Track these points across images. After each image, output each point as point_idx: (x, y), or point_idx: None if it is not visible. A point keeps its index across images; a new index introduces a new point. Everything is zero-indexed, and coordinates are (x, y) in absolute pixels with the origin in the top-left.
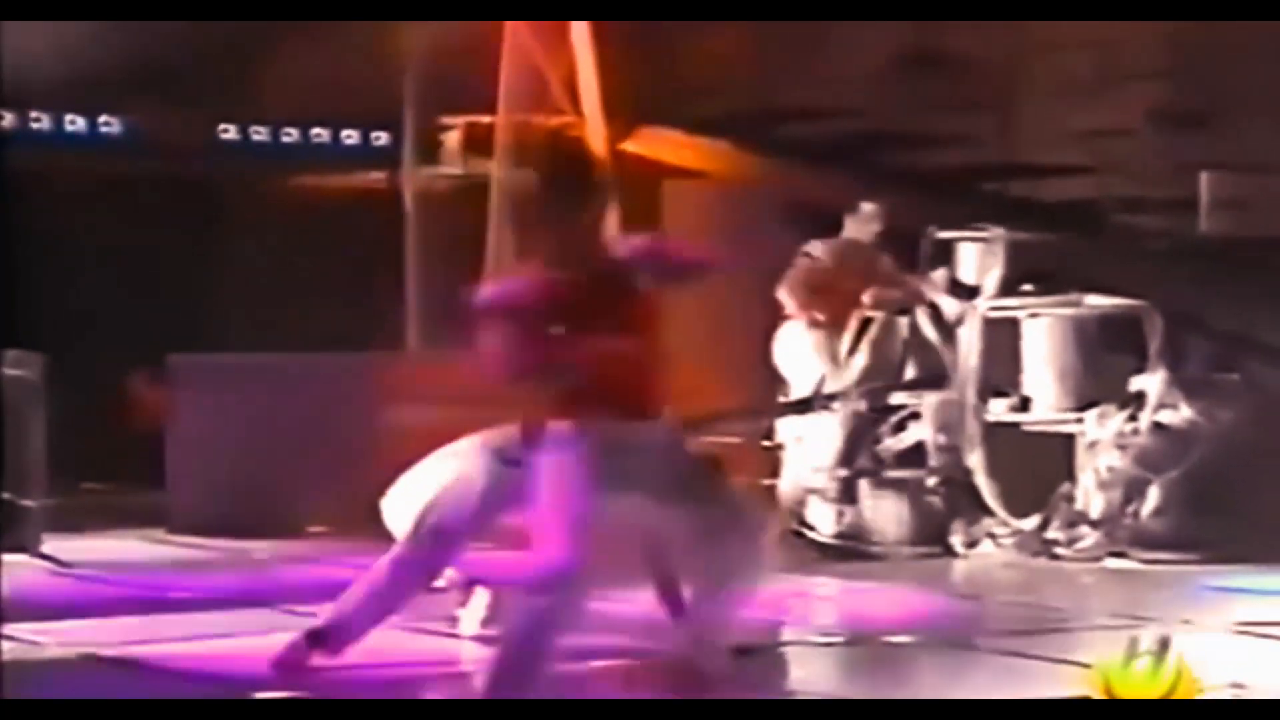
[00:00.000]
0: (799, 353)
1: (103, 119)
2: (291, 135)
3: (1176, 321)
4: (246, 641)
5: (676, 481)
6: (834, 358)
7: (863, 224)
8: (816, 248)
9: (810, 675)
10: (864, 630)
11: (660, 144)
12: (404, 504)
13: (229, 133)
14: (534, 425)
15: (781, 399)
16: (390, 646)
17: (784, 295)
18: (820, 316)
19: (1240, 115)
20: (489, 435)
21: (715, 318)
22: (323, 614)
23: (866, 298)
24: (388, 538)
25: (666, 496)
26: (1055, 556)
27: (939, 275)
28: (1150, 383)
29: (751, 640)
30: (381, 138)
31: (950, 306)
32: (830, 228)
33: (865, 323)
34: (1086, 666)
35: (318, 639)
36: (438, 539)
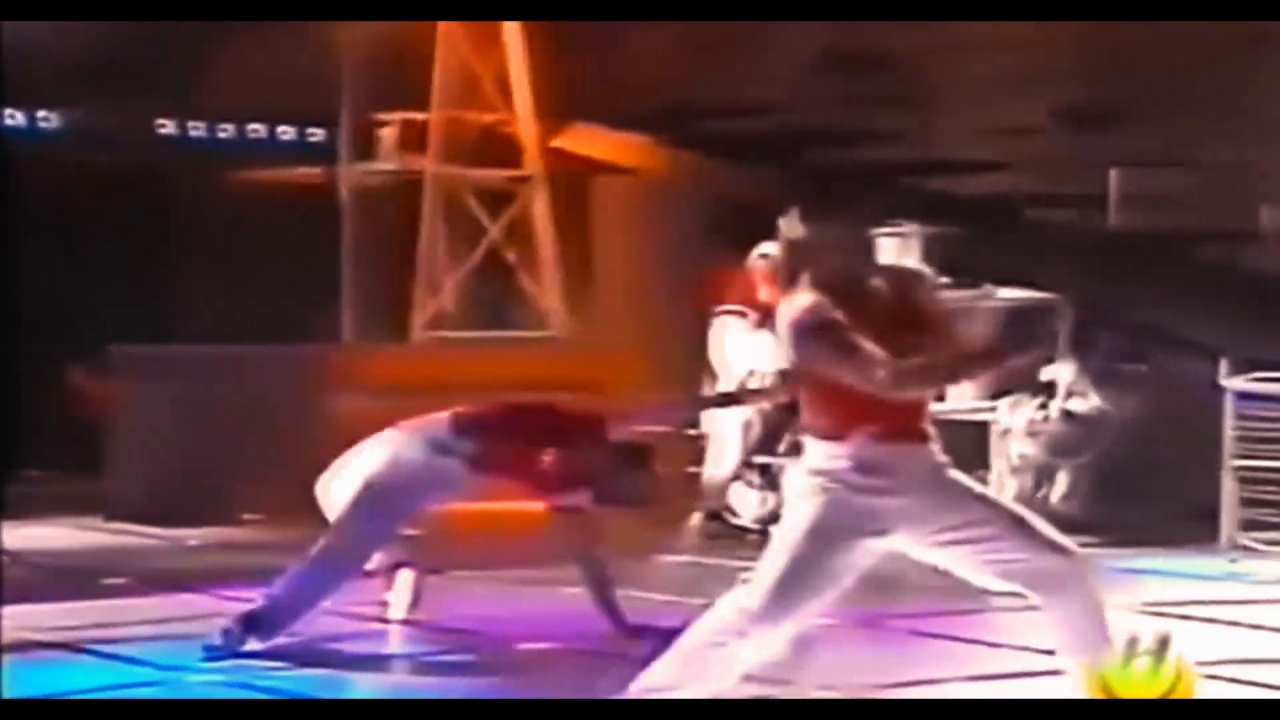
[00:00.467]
0: (735, 347)
1: (41, 114)
2: (228, 130)
3: (1086, 313)
4: (181, 626)
5: None
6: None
7: (795, 226)
8: (770, 249)
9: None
10: None
11: (589, 141)
12: (337, 488)
13: (166, 127)
14: (465, 414)
15: (707, 392)
16: (322, 630)
17: (760, 280)
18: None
19: (1148, 113)
20: (419, 423)
21: (652, 311)
22: (257, 599)
23: None
24: (322, 525)
25: None
26: None
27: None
28: (1060, 373)
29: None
30: (317, 134)
31: None
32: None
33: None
34: (994, 646)
35: (252, 623)
36: (369, 525)
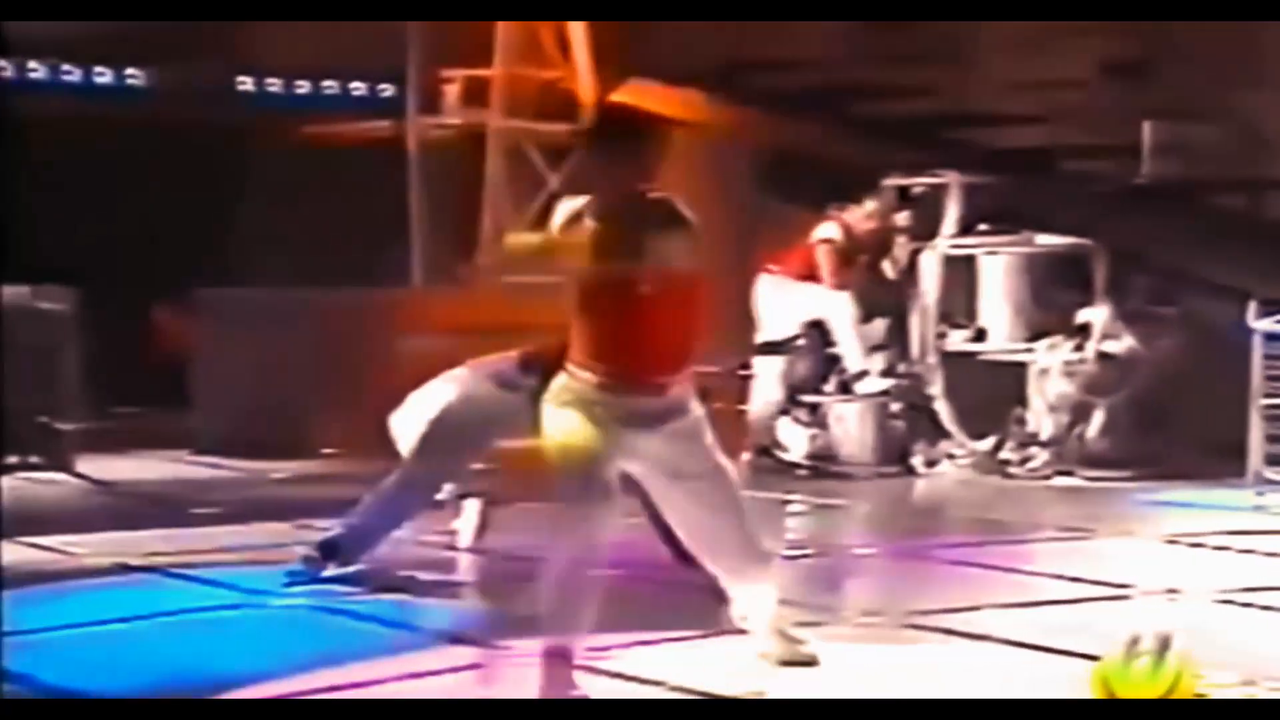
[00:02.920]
0: (779, 303)
1: (130, 72)
2: (304, 87)
3: (1120, 259)
4: (264, 554)
5: None
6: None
7: (865, 214)
8: (833, 233)
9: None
10: (832, 544)
11: (645, 95)
12: (409, 424)
13: (246, 84)
14: (532, 354)
15: (758, 339)
16: (396, 557)
17: (822, 260)
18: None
19: (1180, 67)
20: (488, 361)
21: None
22: (335, 527)
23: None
24: (395, 457)
25: None
26: (1008, 475)
27: (903, 217)
28: (1095, 315)
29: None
30: (387, 89)
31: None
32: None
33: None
34: (1035, 575)
35: (331, 550)
36: (440, 458)
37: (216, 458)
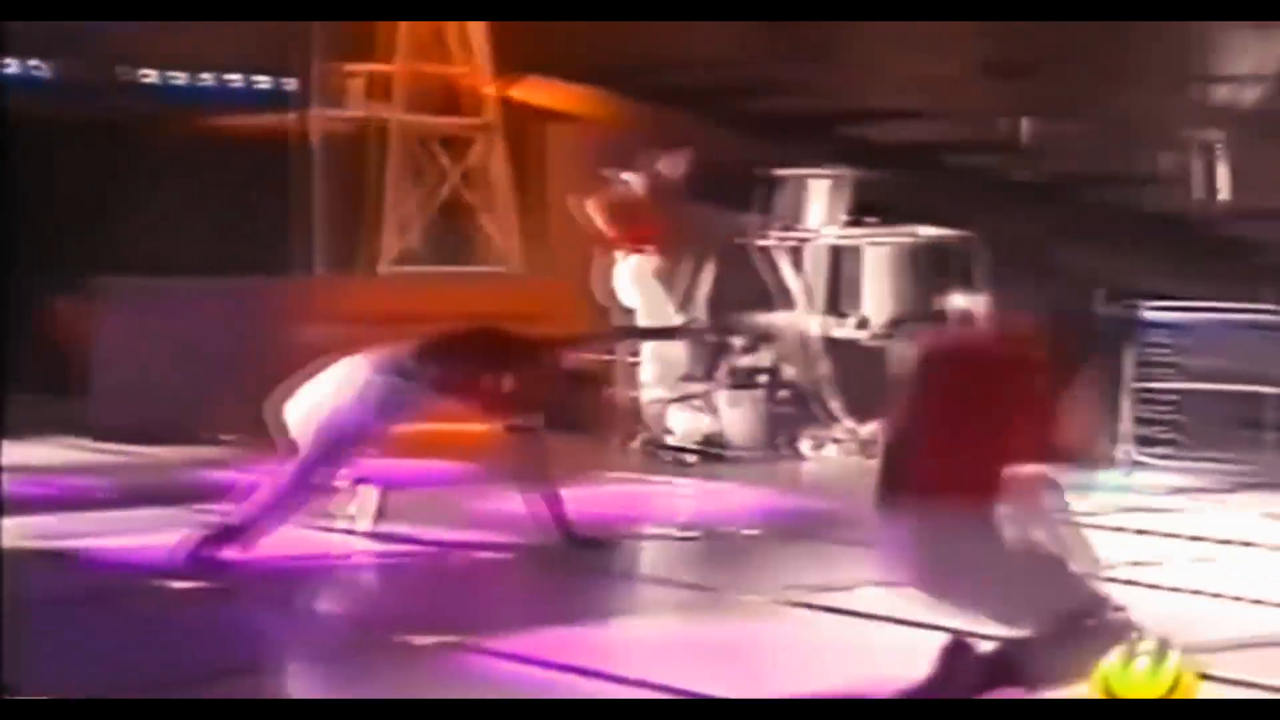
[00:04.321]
0: (639, 282)
1: (33, 63)
2: (207, 80)
3: (997, 249)
4: (160, 536)
5: None
6: (670, 285)
7: (674, 164)
8: (629, 177)
9: (671, 566)
10: (717, 525)
11: (542, 91)
12: (303, 412)
13: (150, 77)
14: (427, 343)
15: (644, 324)
16: (293, 541)
17: (591, 212)
18: (647, 247)
19: (1057, 67)
20: (384, 350)
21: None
22: (234, 513)
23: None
24: (287, 445)
25: None
26: None
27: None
28: (975, 302)
29: (599, 534)
30: (291, 83)
31: (799, 238)
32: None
33: (722, 252)
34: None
35: (229, 534)
36: (337, 446)
37: (114, 444)
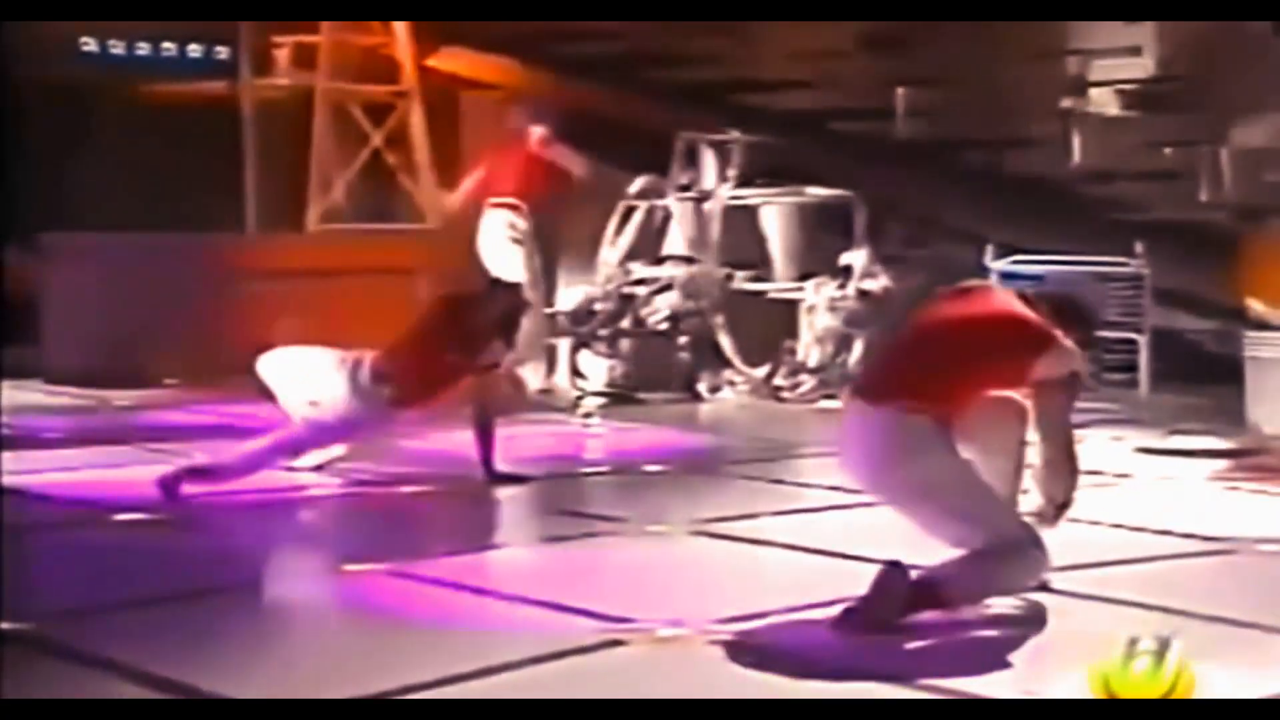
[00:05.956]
0: (499, 238)
1: None
2: (144, 49)
3: (877, 208)
4: (110, 473)
5: None
6: (524, 240)
7: (521, 116)
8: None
9: (581, 500)
10: (626, 462)
11: (458, 60)
12: (289, 385)
13: (90, 45)
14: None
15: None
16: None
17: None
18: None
19: (930, 39)
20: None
21: None
22: (208, 456)
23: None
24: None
25: None
26: (781, 399)
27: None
28: (856, 258)
29: (519, 470)
30: (222, 52)
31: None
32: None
33: (629, 210)
34: (807, 486)
35: (198, 473)
36: (315, 434)
37: (66, 387)
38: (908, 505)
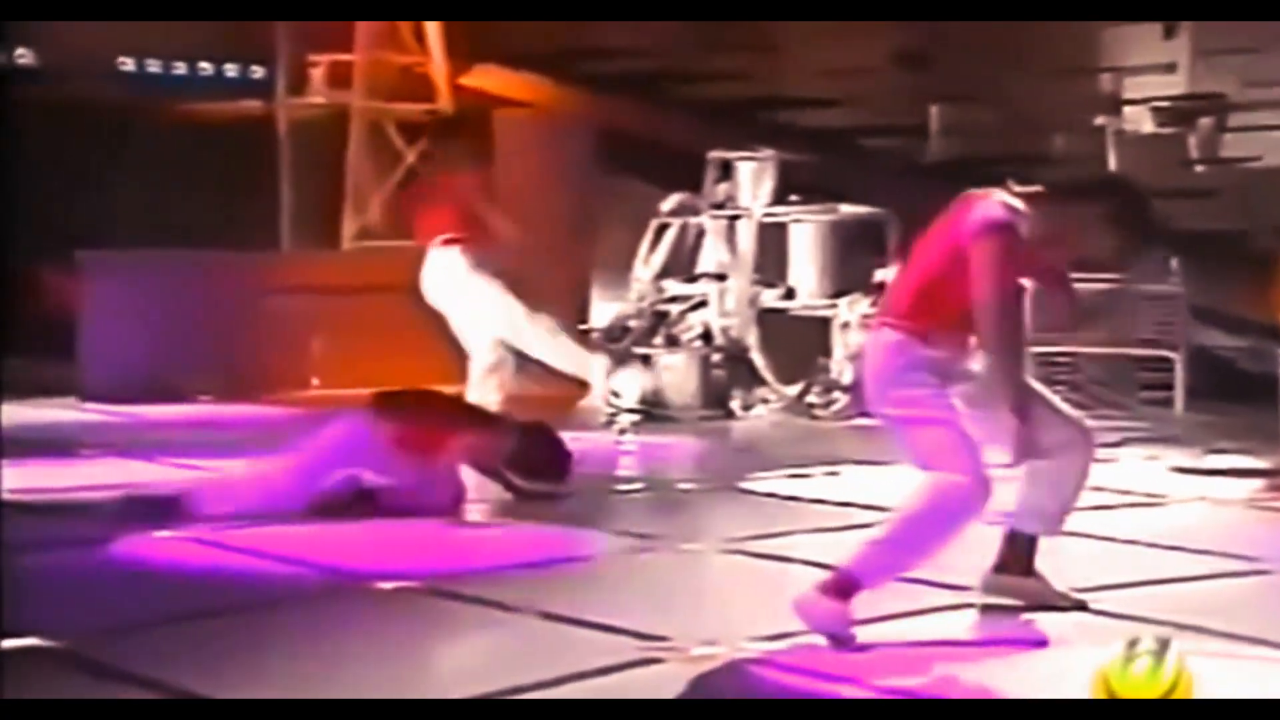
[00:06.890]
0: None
1: (19, 52)
2: (181, 69)
3: (910, 225)
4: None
5: None
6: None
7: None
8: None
9: (614, 517)
10: (659, 479)
11: (491, 78)
12: None
13: (127, 65)
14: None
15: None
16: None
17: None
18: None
19: (962, 58)
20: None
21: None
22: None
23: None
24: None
25: None
26: (814, 417)
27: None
28: (890, 274)
29: (555, 488)
30: (258, 71)
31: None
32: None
33: (662, 228)
34: (841, 505)
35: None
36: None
37: (101, 404)
38: (894, 425)
